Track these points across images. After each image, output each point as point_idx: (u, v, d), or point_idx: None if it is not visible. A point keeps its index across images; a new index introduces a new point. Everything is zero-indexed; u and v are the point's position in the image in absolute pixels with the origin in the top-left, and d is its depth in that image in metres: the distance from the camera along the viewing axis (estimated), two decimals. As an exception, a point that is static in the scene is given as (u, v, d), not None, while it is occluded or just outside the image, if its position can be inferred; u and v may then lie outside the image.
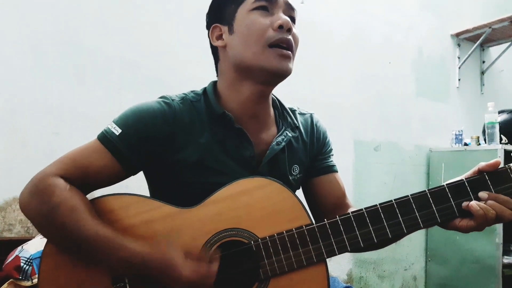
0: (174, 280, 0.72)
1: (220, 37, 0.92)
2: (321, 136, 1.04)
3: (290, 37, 0.87)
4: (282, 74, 0.87)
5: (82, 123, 1.67)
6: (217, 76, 0.98)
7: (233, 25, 0.89)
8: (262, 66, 0.85)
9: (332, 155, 1.05)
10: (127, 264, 0.73)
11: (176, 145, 0.86)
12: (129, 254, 0.73)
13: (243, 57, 0.87)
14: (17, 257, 1.27)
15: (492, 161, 0.78)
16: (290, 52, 0.87)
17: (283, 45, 0.86)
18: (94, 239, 0.73)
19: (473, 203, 0.76)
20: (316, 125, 1.03)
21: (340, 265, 2.40)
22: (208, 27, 0.96)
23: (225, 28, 0.91)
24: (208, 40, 0.96)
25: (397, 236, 0.80)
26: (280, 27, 0.85)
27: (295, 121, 0.99)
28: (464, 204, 0.77)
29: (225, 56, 0.92)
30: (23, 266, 1.25)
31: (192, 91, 0.95)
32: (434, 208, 0.78)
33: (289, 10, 0.89)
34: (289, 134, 0.95)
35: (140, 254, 0.73)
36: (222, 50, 0.93)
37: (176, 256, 0.74)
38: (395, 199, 0.79)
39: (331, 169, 1.03)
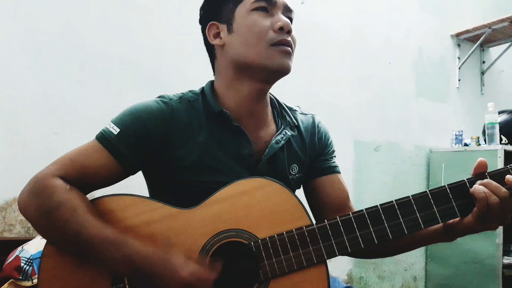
0: (172, 279, 0.72)
1: (217, 35, 0.92)
2: (323, 137, 1.03)
3: (289, 38, 0.88)
4: (283, 72, 0.88)
5: (82, 123, 1.67)
6: (214, 74, 0.97)
7: (232, 25, 0.89)
8: (265, 65, 0.86)
9: (335, 156, 1.04)
10: (130, 261, 0.73)
11: (174, 144, 0.86)
12: (133, 251, 0.73)
13: (244, 56, 0.87)
14: (18, 257, 1.27)
15: (477, 163, 0.78)
16: (290, 49, 0.88)
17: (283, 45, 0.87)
18: (97, 238, 0.73)
19: (477, 185, 0.75)
20: (318, 125, 1.03)
21: (340, 265, 2.40)
22: (202, 23, 0.96)
23: (223, 27, 0.91)
24: (203, 36, 0.96)
25: (397, 237, 0.79)
26: (281, 28, 0.86)
27: (294, 120, 0.98)
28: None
29: (223, 55, 0.92)
30: (23, 266, 1.24)
31: (190, 91, 0.95)
32: (435, 209, 0.77)
33: (287, 12, 0.90)
34: (288, 133, 0.95)
35: (143, 251, 0.73)
36: (220, 49, 0.92)
37: (176, 257, 0.74)
38: (395, 200, 0.79)
39: (334, 170, 1.01)
